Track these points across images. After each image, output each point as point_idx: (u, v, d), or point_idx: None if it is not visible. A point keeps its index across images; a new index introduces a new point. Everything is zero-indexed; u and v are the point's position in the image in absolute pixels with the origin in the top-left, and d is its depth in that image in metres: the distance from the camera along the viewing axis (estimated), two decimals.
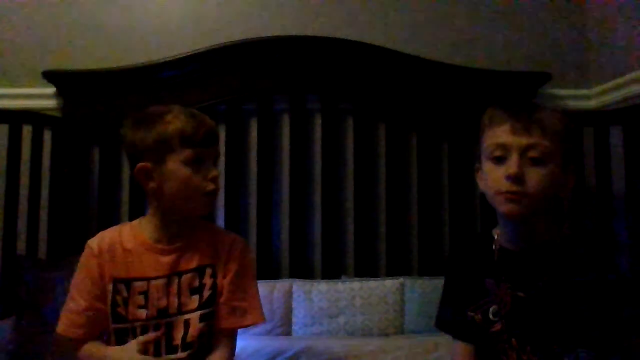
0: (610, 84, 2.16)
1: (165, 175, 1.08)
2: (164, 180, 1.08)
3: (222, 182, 1.87)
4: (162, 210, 1.12)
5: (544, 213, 1.01)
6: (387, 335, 1.89)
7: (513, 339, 1.01)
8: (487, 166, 1.01)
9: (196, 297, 1.12)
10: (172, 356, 1.09)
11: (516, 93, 2.14)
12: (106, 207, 2.13)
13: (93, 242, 1.15)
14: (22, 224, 2.00)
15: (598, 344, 0.94)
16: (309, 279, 2.07)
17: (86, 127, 2.12)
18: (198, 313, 1.11)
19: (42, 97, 2.17)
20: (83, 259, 1.15)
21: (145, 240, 1.13)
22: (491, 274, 1.05)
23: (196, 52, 2.10)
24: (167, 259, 1.12)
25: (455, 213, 2.16)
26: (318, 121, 2.20)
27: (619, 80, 2.10)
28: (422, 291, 1.95)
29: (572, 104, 2.26)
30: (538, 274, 1.00)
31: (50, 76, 2.11)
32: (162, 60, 2.10)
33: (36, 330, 1.67)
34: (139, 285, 1.11)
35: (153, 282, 1.11)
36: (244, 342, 1.49)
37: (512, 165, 0.95)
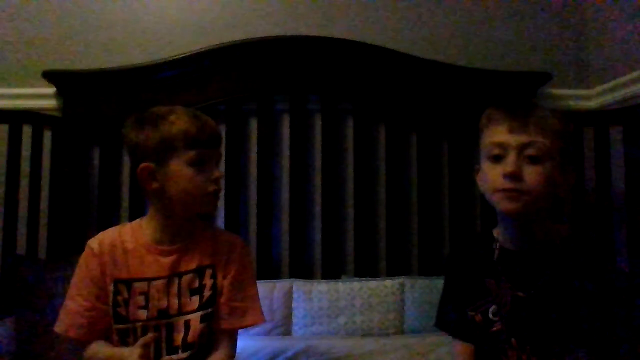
0: (610, 84, 2.16)
1: (168, 176, 1.08)
2: (167, 181, 1.08)
3: (222, 182, 1.86)
4: (163, 210, 1.12)
5: (543, 213, 1.01)
6: (387, 335, 1.88)
7: (513, 339, 1.01)
8: (486, 165, 1.01)
9: (196, 298, 1.12)
10: (173, 357, 1.09)
11: (516, 93, 2.14)
12: (106, 207, 2.13)
13: (94, 243, 1.15)
14: (22, 224, 2.00)
15: (598, 344, 0.94)
16: (309, 279, 2.06)
17: (86, 127, 2.12)
18: (199, 314, 1.11)
19: (42, 97, 2.16)
20: (83, 259, 1.15)
21: (145, 241, 1.13)
22: (491, 274, 1.05)
23: (196, 52, 2.10)
24: (167, 260, 1.12)
25: (455, 213, 2.16)
26: (318, 121, 2.20)
27: (619, 80, 2.10)
28: (422, 291, 1.95)
29: (572, 104, 2.26)
30: (538, 274, 1.00)
31: (50, 76, 2.11)
32: (162, 60, 2.10)
33: (36, 330, 1.67)
34: (140, 286, 1.11)
35: (153, 283, 1.11)
36: (244, 342, 1.49)
37: (509, 163, 0.96)
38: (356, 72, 2.16)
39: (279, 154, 2.20)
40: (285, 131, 2.20)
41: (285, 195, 2.17)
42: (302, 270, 2.11)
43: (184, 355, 1.10)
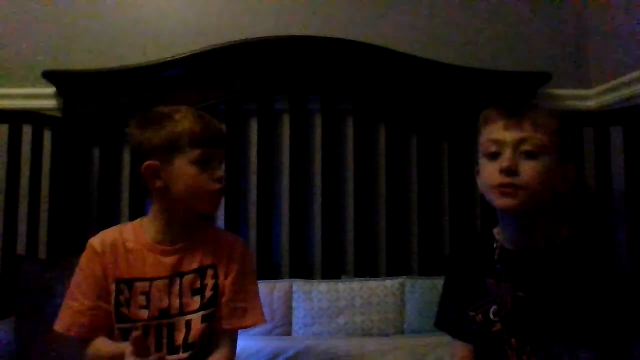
0: (610, 84, 2.16)
1: (173, 174, 1.08)
2: (171, 179, 1.08)
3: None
4: (166, 209, 1.12)
5: (543, 211, 1.01)
6: (387, 335, 1.89)
7: (513, 339, 1.01)
8: (483, 163, 1.02)
9: (198, 298, 1.12)
10: (174, 357, 1.09)
11: (516, 93, 2.15)
12: (106, 207, 2.13)
13: (95, 242, 1.15)
14: (22, 224, 2.00)
15: (598, 344, 0.94)
16: (309, 279, 2.07)
17: (86, 127, 2.12)
18: (200, 314, 1.11)
19: (42, 97, 2.17)
20: (85, 258, 1.15)
21: (147, 241, 1.13)
22: (491, 274, 1.05)
23: (196, 52, 2.10)
24: (169, 260, 1.12)
25: (455, 213, 2.16)
26: (318, 121, 2.20)
27: (619, 80, 2.10)
28: (422, 291, 1.95)
29: (572, 104, 2.26)
30: (538, 273, 1.00)
31: (50, 76, 2.11)
32: (162, 60, 2.10)
33: (36, 330, 1.67)
34: (141, 285, 1.11)
35: (155, 283, 1.11)
36: (244, 342, 1.49)
37: (505, 158, 0.96)
38: (356, 72, 2.16)
39: (279, 154, 2.20)
40: (285, 131, 2.20)
41: (285, 195, 2.17)
42: (302, 270, 2.11)
43: (185, 355, 1.10)
